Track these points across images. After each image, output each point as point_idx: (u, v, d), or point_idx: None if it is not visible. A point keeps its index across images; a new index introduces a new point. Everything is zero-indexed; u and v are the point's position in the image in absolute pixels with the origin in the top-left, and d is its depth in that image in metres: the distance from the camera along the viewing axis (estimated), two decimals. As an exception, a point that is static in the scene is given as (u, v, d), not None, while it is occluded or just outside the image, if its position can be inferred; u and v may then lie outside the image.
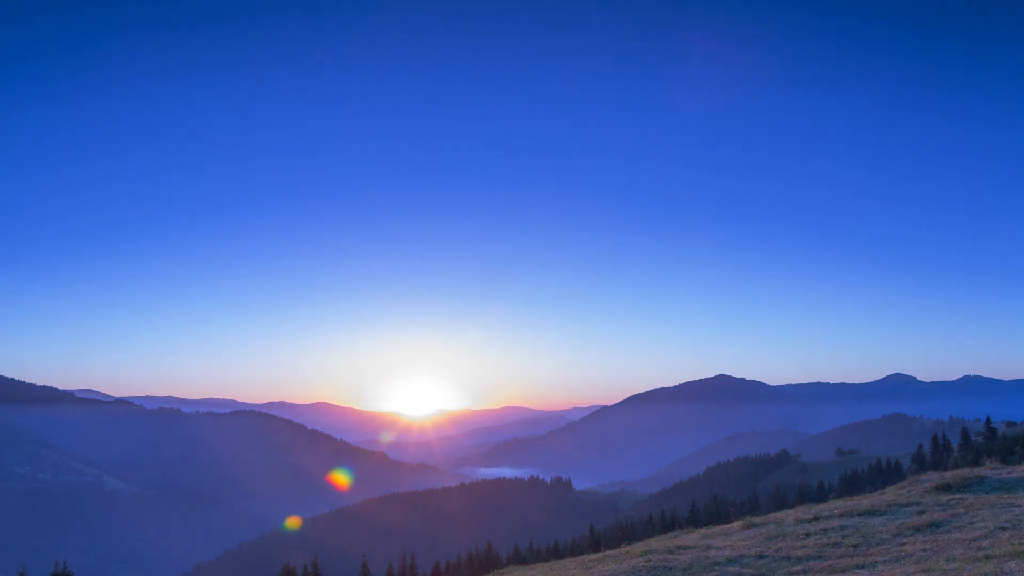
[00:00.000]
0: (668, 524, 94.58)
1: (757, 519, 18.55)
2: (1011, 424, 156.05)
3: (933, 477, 20.21)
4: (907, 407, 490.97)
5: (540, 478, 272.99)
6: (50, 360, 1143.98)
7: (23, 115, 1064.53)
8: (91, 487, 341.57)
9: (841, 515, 16.94)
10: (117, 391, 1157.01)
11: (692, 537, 17.79)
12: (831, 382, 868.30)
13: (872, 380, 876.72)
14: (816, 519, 17.08)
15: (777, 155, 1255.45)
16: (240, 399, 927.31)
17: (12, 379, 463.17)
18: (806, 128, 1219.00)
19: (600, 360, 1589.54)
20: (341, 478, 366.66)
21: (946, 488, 18.38)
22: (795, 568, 13.00)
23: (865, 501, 18.70)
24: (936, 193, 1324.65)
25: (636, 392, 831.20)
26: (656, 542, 18.29)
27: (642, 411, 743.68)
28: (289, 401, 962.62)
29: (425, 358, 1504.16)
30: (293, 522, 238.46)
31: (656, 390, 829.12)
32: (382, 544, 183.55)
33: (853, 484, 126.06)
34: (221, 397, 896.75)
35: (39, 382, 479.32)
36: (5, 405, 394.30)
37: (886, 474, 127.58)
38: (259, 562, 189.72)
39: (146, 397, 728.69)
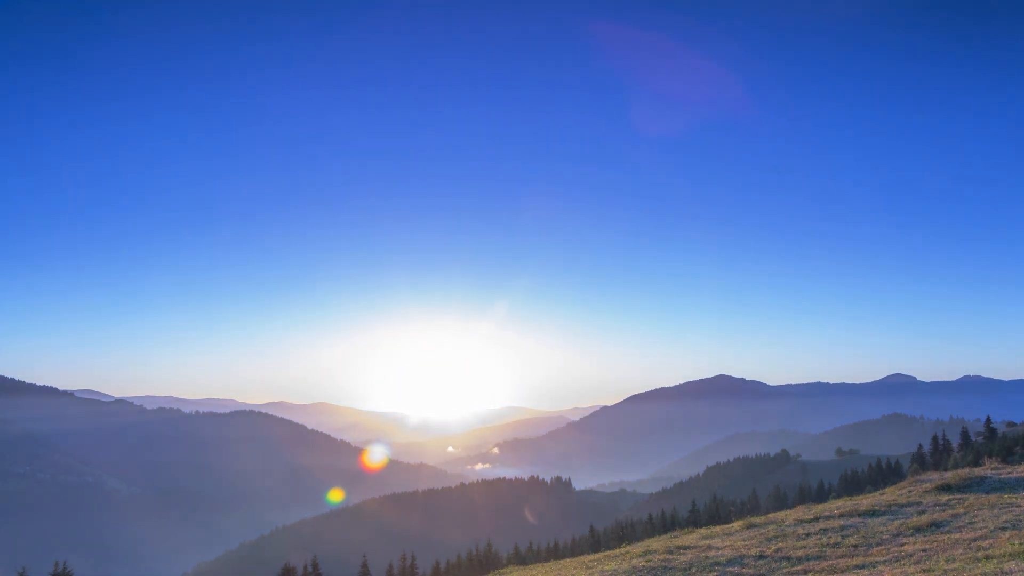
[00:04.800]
0: (668, 524, 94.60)
1: (757, 519, 18.53)
2: (1011, 424, 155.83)
3: (933, 477, 20.20)
4: (907, 407, 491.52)
5: (540, 478, 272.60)
6: (50, 360, 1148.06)
7: (24, 115, 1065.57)
8: (91, 487, 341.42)
9: (841, 515, 16.93)
10: (117, 391, 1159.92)
11: (692, 537, 17.77)
12: (831, 382, 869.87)
13: (872, 380, 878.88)
14: (816, 519, 17.07)
15: (777, 156, 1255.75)
16: (240, 399, 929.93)
17: (12, 379, 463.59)
18: (807, 128, 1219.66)
19: (600, 360, 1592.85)
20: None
21: (946, 488, 18.38)
22: (795, 568, 13.00)
23: (865, 501, 18.70)
24: (936, 193, 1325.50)
25: (636, 392, 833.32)
26: (656, 542, 18.27)
27: (642, 411, 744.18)
28: (289, 401, 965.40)
29: (426, 359, 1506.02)
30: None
31: (656, 390, 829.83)
32: (382, 544, 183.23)
33: (853, 484, 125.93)
34: (221, 397, 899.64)
35: (39, 382, 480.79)
36: (5, 405, 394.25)
37: (886, 474, 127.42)
38: (259, 562, 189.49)
39: (146, 397, 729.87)
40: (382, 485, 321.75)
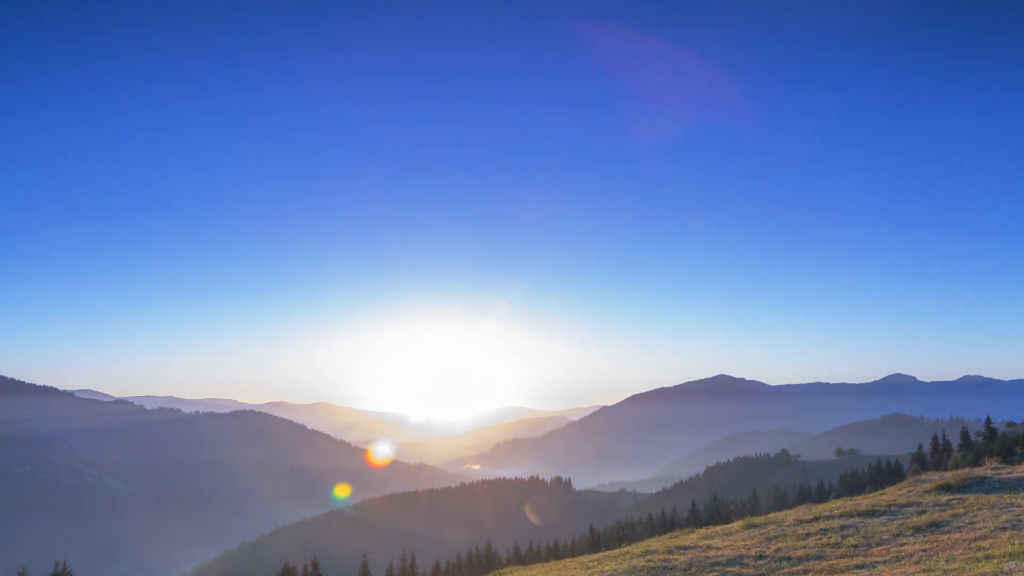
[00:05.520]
0: (668, 524, 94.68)
1: (757, 519, 18.55)
2: (1011, 424, 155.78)
3: (933, 477, 20.21)
4: (907, 407, 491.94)
5: (540, 478, 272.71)
6: (50, 360, 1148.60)
7: (23, 114, 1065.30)
8: (91, 487, 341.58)
9: (841, 515, 16.93)
10: (117, 391, 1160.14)
11: (692, 537, 17.79)
12: (831, 382, 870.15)
13: (872, 380, 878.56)
14: (816, 519, 17.07)
15: (776, 156, 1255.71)
16: (240, 399, 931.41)
17: (12, 379, 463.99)
18: (806, 128, 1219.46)
19: (600, 360, 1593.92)
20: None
21: (946, 488, 18.38)
22: (795, 568, 13.01)
23: (865, 501, 18.71)
24: (936, 193, 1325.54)
25: (636, 392, 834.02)
26: (656, 542, 18.29)
27: (642, 411, 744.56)
28: (289, 401, 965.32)
29: (426, 359, 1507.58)
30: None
31: (656, 390, 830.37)
32: (382, 544, 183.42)
33: (853, 484, 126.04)
34: (221, 397, 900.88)
35: (39, 382, 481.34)
36: (5, 405, 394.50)
37: (886, 474, 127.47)
38: (259, 562, 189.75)
39: (146, 397, 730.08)
40: (382, 485, 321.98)
